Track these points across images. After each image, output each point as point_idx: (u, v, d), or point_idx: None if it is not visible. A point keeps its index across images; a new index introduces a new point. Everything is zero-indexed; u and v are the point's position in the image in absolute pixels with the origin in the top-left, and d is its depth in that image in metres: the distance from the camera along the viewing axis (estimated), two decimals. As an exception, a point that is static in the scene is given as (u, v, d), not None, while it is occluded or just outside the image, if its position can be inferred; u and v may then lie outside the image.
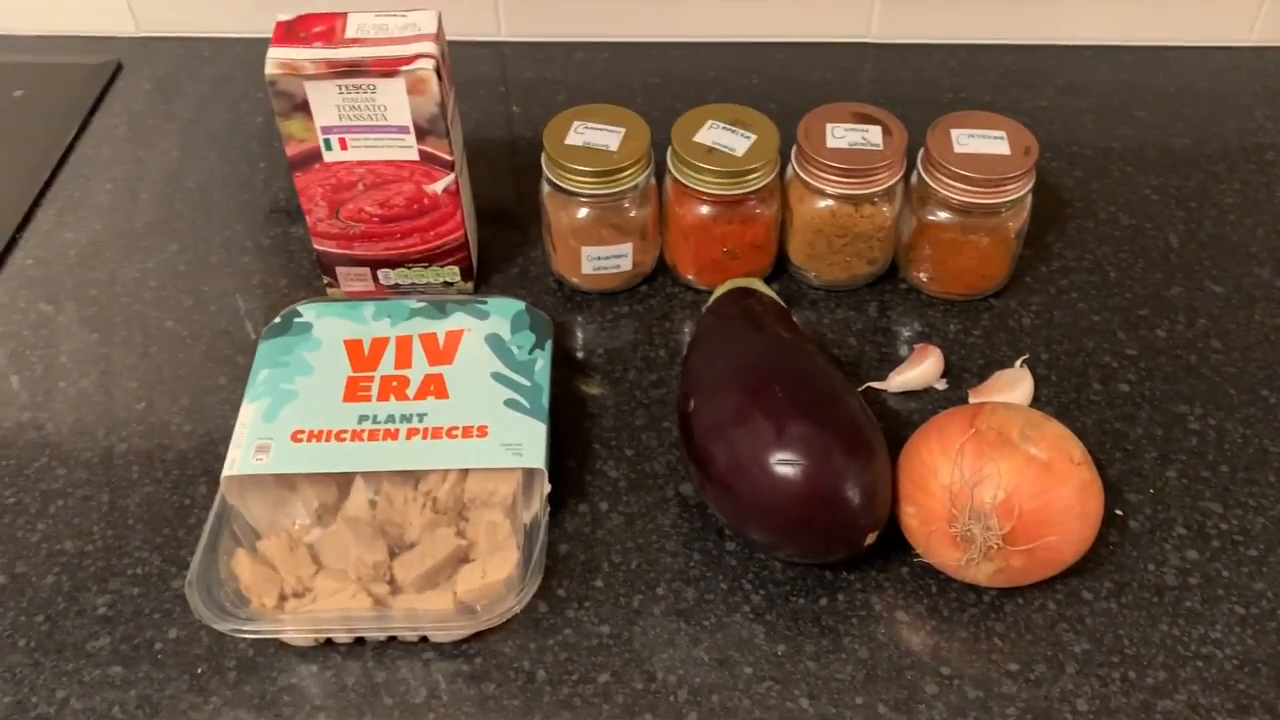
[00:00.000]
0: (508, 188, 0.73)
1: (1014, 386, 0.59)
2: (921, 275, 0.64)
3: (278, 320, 0.58)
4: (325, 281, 0.65)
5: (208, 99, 0.81)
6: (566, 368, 0.62)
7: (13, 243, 0.70)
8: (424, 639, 0.50)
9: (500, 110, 0.80)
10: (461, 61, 0.81)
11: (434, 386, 0.54)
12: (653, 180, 0.63)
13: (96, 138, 0.78)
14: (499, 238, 0.69)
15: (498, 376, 0.55)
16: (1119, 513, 0.54)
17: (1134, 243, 0.68)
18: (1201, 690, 0.48)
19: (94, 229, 0.71)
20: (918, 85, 0.80)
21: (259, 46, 0.55)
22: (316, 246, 0.62)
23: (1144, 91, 0.79)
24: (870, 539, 0.49)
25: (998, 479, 0.47)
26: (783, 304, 0.59)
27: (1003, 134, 0.61)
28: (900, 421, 0.59)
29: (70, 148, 0.76)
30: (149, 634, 0.51)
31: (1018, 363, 0.61)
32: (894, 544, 0.52)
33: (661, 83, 0.81)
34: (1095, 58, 0.82)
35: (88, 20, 0.85)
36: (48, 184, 0.74)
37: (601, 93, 0.80)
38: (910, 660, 0.49)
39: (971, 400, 0.59)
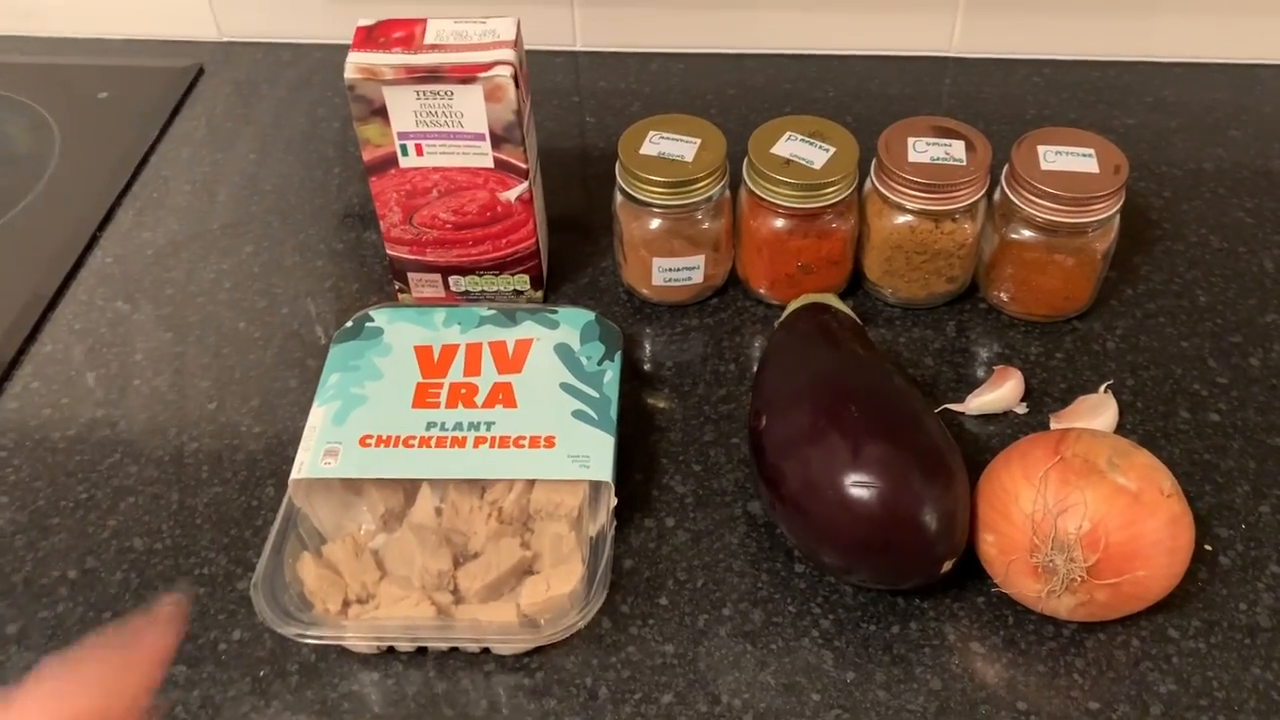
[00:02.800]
0: (580, 197, 0.73)
1: (1098, 413, 0.57)
2: (1002, 295, 0.62)
3: (349, 324, 0.58)
4: (397, 287, 0.64)
5: (286, 104, 0.81)
6: (634, 380, 0.61)
7: (93, 241, 0.71)
8: (486, 650, 0.49)
9: (574, 120, 0.79)
10: (536, 71, 0.81)
11: (502, 395, 0.54)
12: (727, 192, 0.62)
13: (177, 140, 0.79)
14: (570, 247, 0.69)
15: (566, 387, 0.54)
16: (1208, 548, 0.52)
17: (1226, 267, 0.66)
18: (1296, 739, 0.46)
19: (172, 229, 0.72)
20: (1000, 101, 0.78)
21: (338, 53, 0.56)
22: (389, 252, 0.62)
23: (1239, 110, 0.77)
24: (947, 567, 0.47)
25: (1083, 508, 0.45)
26: (858, 321, 0.57)
27: (1091, 151, 0.59)
28: (978, 446, 0.57)
29: (151, 149, 0.78)
30: (214, 634, 0.51)
31: (1102, 388, 0.59)
32: (970, 573, 0.50)
33: (737, 94, 0.80)
34: (1187, 75, 0.80)
35: (172, 25, 0.86)
36: (128, 184, 0.75)
37: (676, 104, 0.79)
38: (985, 694, 0.48)
39: (1053, 426, 0.57)
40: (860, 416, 0.48)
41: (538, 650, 0.49)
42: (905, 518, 0.46)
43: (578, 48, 0.84)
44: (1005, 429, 0.58)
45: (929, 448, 0.47)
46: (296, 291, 0.67)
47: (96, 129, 0.79)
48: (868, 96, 0.79)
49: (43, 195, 0.74)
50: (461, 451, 0.51)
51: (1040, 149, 0.59)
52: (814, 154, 0.59)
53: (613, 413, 0.54)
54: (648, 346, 0.63)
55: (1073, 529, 0.45)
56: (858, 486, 0.46)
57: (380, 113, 0.56)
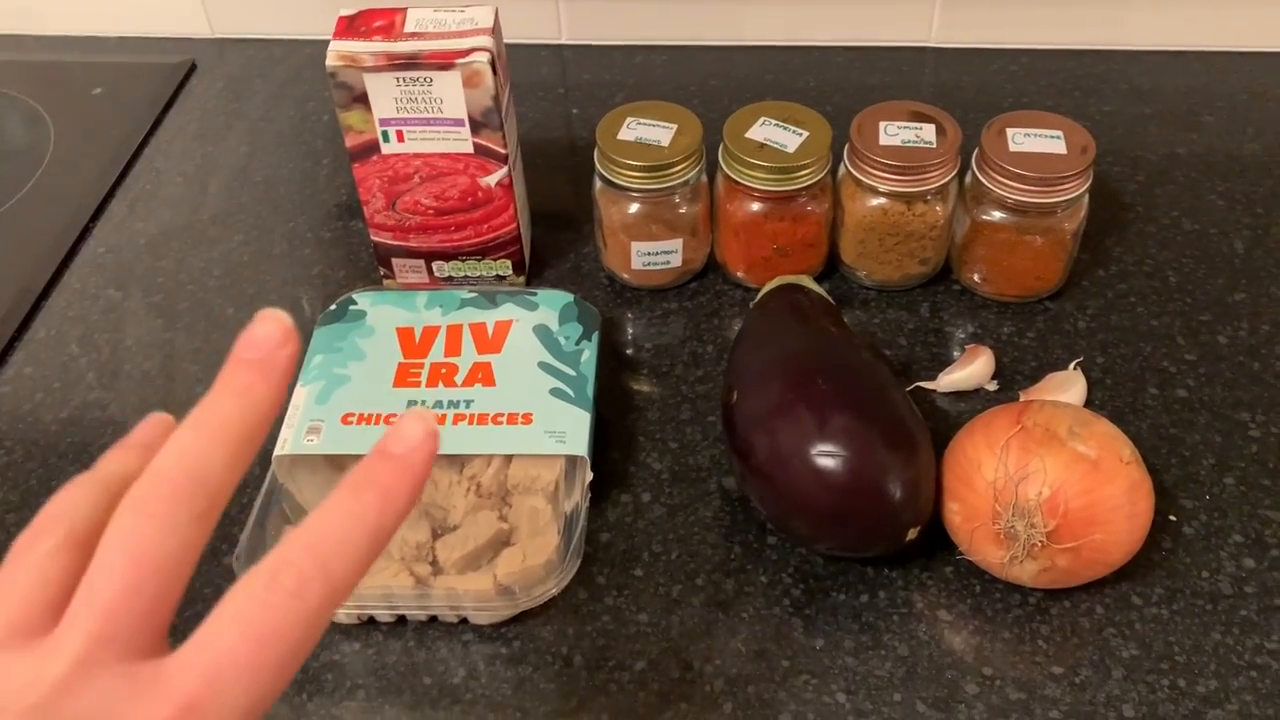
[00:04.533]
0: (564, 186, 0.74)
1: (1066, 389, 0.58)
2: (975, 276, 0.64)
3: (333, 307, 0.60)
4: (382, 273, 0.66)
5: (277, 98, 0.83)
6: (614, 362, 0.62)
7: (86, 231, 0.72)
8: (464, 620, 0.50)
9: (559, 111, 0.81)
10: (522, 64, 0.82)
11: (482, 374, 0.55)
12: (704, 177, 0.63)
13: (169, 134, 0.80)
14: (553, 234, 0.70)
15: (544, 366, 0.56)
16: (1172, 518, 0.53)
17: (1197, 248, 0.67)
18: (1255, 701, 0.47)
19: (163, 220, 0.73)
20: (978, 89, 0.80)
21: (327, 47, 0.57)
22: (374, 238, 0.64)
23: (1212, 97, 0.78)
24: (912, 534, 0.48)
25: (1043, 475, 0.46)
26: (831, 300, 0.59)
27: (1059, 133, 0.60)
28: (949, 422, 0.58)
29: (144, 143, 0.79)
30: (199, 608, 0.51)
31: (1071, 365, 0.60)
32: (938, 542, 0.51)
33: (719, 85, 0.81)
34: (1162, 63, 0.81)
35: (165, 23, 0.88)
36: (121, 177, 0.76)
37: (659, 94, 0.80)
38: (951, 659, 0.49)
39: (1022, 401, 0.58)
40: (827, 389, 0.49)
41: (515, 620, 0.50)
42: (869, 486, 0.47)
43: (563, 41, 0.86)
44: (976, 405, 0.59)
45: (894, 419, 0.48)
46: (284, 279, 0.68)
47: (91, 124, 0.81)
48: (848, 86, 0.81)
49: (38, 188, 0.75)
50: (441, 428, 0.52)
51: (1009, 131, 0.60)
52: (787, 138, 0.60)
53: (589, 390, 0.55)
54: (628, 330, 0.64)
55: (1033, 495, 0.46)
56: (823, 456, 0.47)
57: (362, 100, 0.57)
